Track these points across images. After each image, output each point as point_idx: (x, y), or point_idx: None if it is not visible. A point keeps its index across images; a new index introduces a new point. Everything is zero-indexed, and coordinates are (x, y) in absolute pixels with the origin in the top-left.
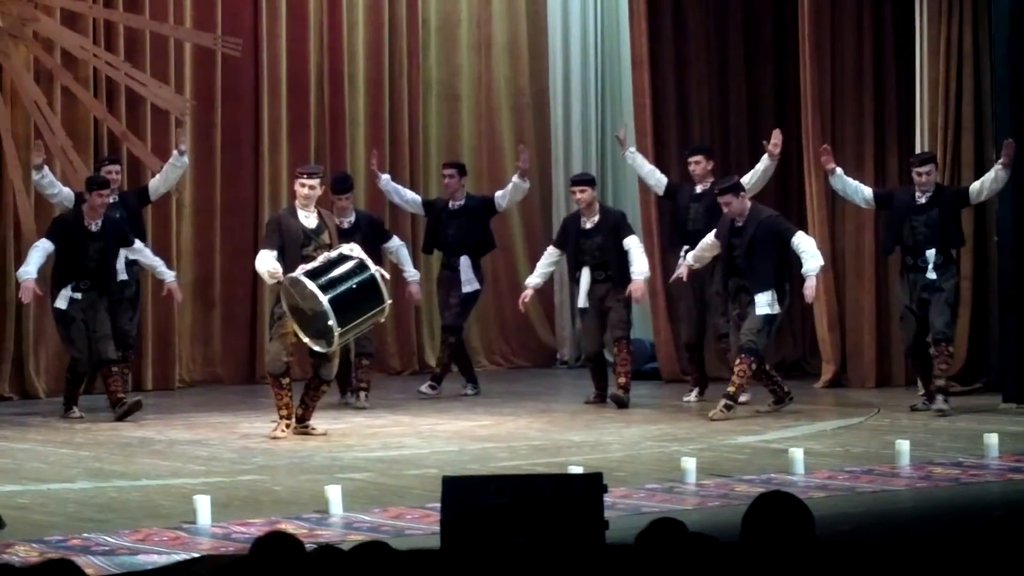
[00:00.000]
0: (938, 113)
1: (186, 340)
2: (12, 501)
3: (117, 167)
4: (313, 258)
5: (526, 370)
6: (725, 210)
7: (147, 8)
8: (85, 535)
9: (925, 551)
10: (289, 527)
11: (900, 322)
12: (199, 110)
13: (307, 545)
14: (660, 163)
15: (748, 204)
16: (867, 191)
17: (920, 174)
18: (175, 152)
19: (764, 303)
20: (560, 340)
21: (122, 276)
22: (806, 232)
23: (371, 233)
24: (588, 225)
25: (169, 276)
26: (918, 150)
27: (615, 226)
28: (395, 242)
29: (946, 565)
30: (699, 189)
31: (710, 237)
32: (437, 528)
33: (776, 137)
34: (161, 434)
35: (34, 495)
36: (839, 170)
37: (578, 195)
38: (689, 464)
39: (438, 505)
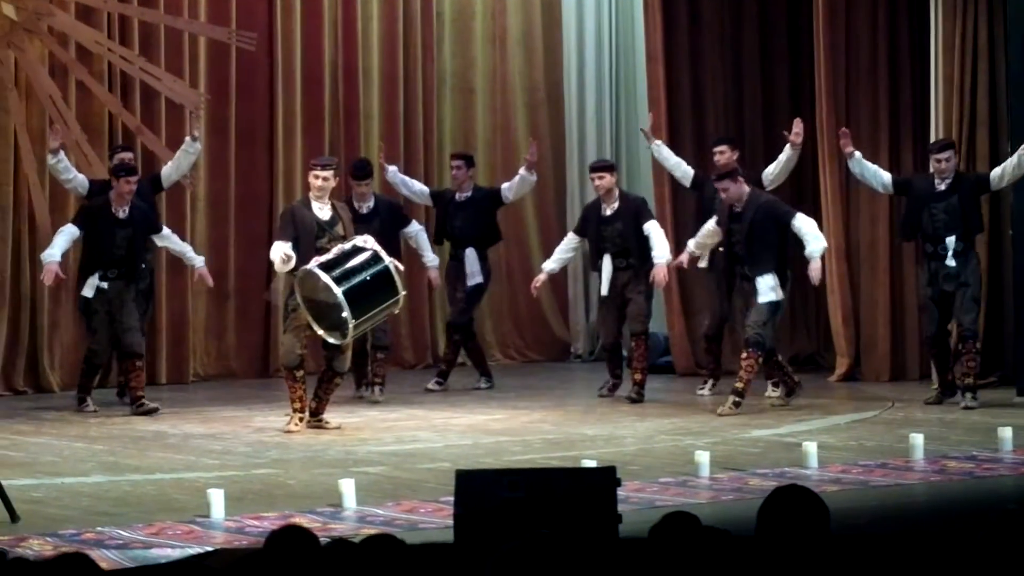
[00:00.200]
0: (953, 108)
1: (200, 334)
2: (26, 495)
3: (130, 154)
4: (327, 250)
5: (540, 364)
6: (723, 196)
7: (162, 3)
8: (99, 529)
9: (939, 545)
10: (303, 521)
11: (920, 312)
12: (213, 104)
13: (321, 539)
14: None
15: (746, 189)
16: (886, 176)
17: (939, 160)
18: (187, 138)
19: (767, 288)
20: (574, 334)
21: None
22: (820, 226)
23: (390, 218)
24: (608, 212)
25: (198, 261)
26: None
27: (636, 212)
28: (414, 227)
29: (960, 559)
30: None
31: (711, 223)
32: (451, 522)
33: (797, 126)
34: (175, 428)
35: (48, 489)
36: (858, 154)
37: (597, 182)
38: (703, 458)
39: (452, 499)
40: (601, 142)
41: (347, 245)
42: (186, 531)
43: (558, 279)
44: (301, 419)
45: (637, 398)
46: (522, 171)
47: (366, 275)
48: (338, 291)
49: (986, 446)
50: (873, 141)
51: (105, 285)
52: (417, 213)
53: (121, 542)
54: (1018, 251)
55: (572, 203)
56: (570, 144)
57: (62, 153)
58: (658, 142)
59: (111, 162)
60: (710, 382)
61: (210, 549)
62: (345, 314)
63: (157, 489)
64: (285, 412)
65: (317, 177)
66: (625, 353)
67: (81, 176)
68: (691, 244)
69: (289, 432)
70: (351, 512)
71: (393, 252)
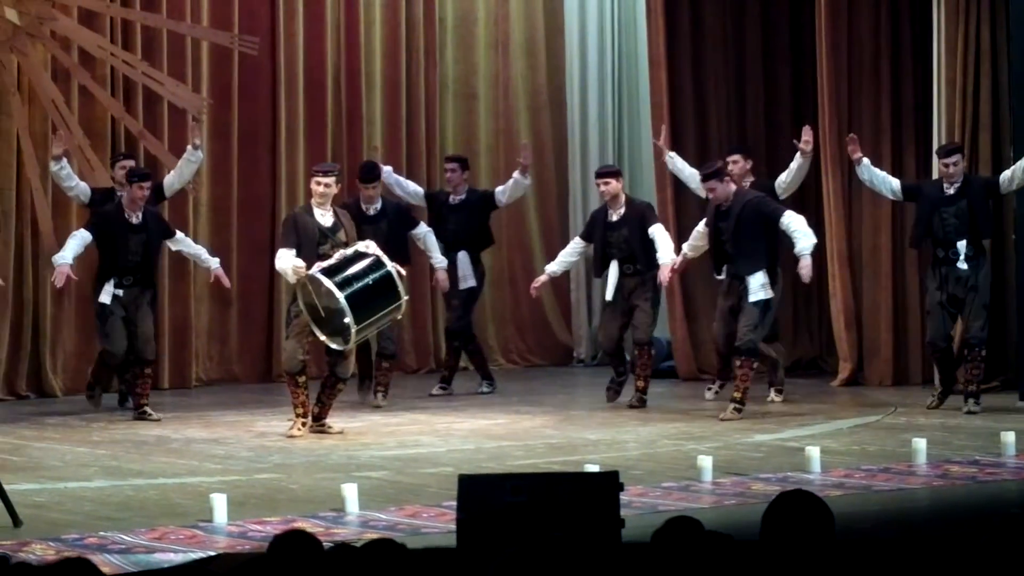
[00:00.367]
0: (955, 111)
1: (203, 338)
2: (29, 499)
3: (132, 162)
4: (329, 256)
5: (543, 368)
6: (710, 196)
7: (164, 7)
8: (102, 533)
9: (942, 549)
10: (305, 525)
11: (927, 315)
12: (216, 109)
13: (323, 544)
14: None
15: (733, 188)
16: (895, 182)
17: (947, 165)
18: (189, 147)
19: (757, 286)
20: (577, 338)
21: None
22: (823, 230)
23: (398, 221)
24: (614, 217)
25: (214, 263)
26: (935, 148)
27: (641, 217)
28: (422, 228)
29: (963, 564)
30: None
31: (700, 225)
32: (453, 526)
33: (807, 134)
34: (178, 432)
35: (51, 493)
36: (866, 160)
37: (603, 187)
38: (705, 462)
39: (454, 503)
40: (603, 146)
41: (349, 251)
42: (189, 536)
43: (561, 283)
44: (304, 424)
45: (639, 404)
46: (516, 175)
47: (368, 280)
48: (340, 296)
49: (989, 451)
50: (875, 144)
51: (121, 292)
52: (420, 215)
53: (124, 547)
54: (1021, 255)
55: (574, 207)
56: (572, 148)
57: (64, 160)
58: (672, 154)
59: (112, 171)
60: (717, 383)
61: (213, 554)
62: (347, 320)
63: (160, 494)
64: (288, 417)
65: (319, 184)
66: (628, 357)
67: (83, 184)
68: (685, 247)
69: (292, 437)
70: (354, 517)
71: (401, 254)
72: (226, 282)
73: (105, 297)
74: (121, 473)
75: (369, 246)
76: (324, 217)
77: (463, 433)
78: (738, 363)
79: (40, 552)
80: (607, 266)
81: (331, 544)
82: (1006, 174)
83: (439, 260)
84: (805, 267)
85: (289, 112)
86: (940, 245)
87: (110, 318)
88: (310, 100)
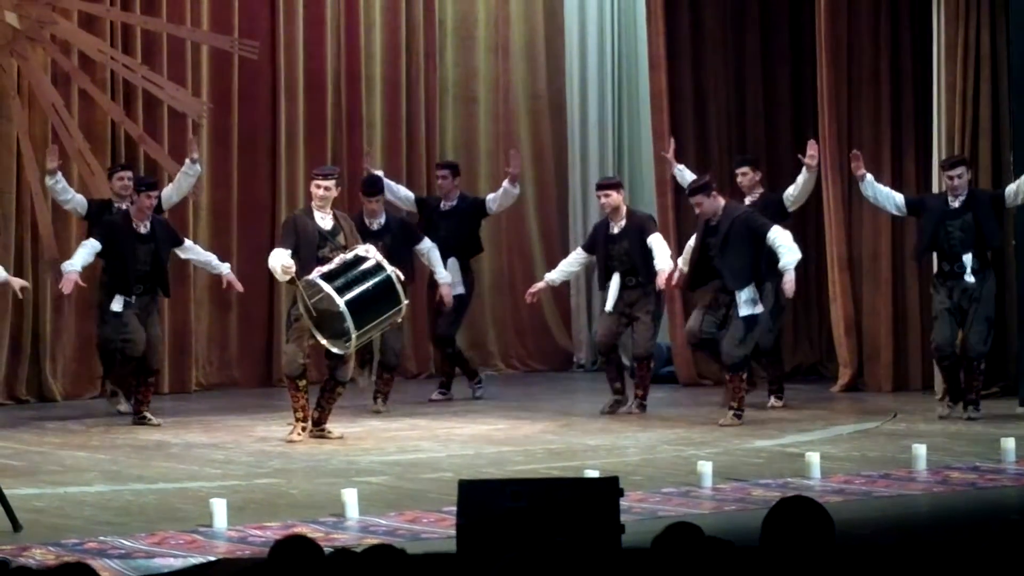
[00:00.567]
0: (955, 116)
1: (202, 343)
2: (29, 504)
3: (130, 173)
4: (329, 259)
5: (542, 373)
6: (697, 211)
7: (164, 11)
8: (101, 538)
9: (942, 556)
10: (305, 531)
11: (933, 320)
12: (216, 113)
13: (324, 549)
14: None
15: (721, 203)
16: (899, 198)
17: (952, 177)
18: (187, 161)
19: (747, 299)
20: (577, 343)
21: None
22: (823, 236)
23: (402, 235)
24: (615, 230)
25: (224, 268)
26: (935, 153)
27: (641, 229)
28: (426, 244)
29: (963, 569)
30: (748, 200)
31: (692, 240)
32: (453, 532)
33: (812, 149)
34: (177, 437)
35: (51, 498)
36: (869, 176)
37: (603, 199)
38: (705, 468)
39: (454, 509)
40: (604, 150)
41: (349, 255)
42: (188, 541)
43: (561, 289)
44: (304, 429)
45: (639, 410)
46: (505, 184)
47: (369, 285)
48: (340, 301)
49: (989, 457)
50: (875, 150)
51: (132, 300)
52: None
53: (123, 552)
54: (1021, 263)
55: (574, 212)
56: (572, 153)
57: (60, 175)
58: (680, 166)
59: (110, 182)
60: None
61: (213, 559)
62: (347, 324)
63: (159, 498)
64: (287, 421)
65: (319, 187)
66: (626, 363)
67: (79, 197)
68: (680, 261)
69: (291, 442)
70: (354, 522)
71: (405, 269)
72: (239, 287)
73: (117, 305)
74: (121, 478)
75: (369, 250)
76: (324, 220)
77: (463, 438)
78: (728, 377)
79: (40, 557)
80: (609, 278)
81: (331, 549)
82: (1011, 188)
83: (443, 275)
84: (788, 282)
85: (289, 115)
86: (946, 259)
87: (126, 319)
88: (310, 103)
